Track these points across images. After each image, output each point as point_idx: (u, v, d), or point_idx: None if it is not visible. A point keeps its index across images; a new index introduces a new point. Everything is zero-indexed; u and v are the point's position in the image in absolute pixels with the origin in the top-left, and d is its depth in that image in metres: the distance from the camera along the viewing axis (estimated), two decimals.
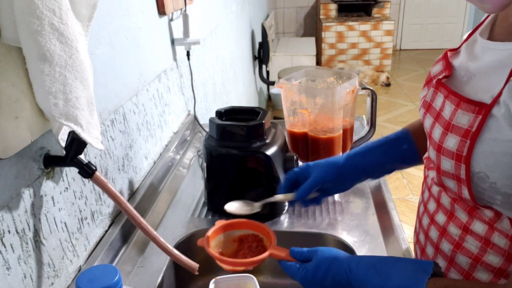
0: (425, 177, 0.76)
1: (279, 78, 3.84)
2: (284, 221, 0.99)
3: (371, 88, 1.13)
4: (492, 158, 0.55)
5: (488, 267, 0.62)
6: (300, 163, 1.06)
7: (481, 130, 0.56)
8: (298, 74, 1.16)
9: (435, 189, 0.70)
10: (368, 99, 1.16)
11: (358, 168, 0.83)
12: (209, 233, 0.76)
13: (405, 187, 2.96)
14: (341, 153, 1.09)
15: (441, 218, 0.68)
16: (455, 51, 0.71)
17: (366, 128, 1.22)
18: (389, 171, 0.87)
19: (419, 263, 0.62)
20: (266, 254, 0.71)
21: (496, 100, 0.54)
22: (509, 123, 0.53)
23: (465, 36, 0.71)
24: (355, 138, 1.21)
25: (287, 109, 1.13)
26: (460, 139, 0.58)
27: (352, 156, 0.84)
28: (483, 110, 0.55)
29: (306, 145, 1.12)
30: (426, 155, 0.76)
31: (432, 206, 0.71)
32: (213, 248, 0.76)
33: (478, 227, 0.62)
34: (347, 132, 1.14)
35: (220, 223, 0.78)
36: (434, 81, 0.69)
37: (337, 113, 1.06)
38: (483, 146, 0.56)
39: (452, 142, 0.60)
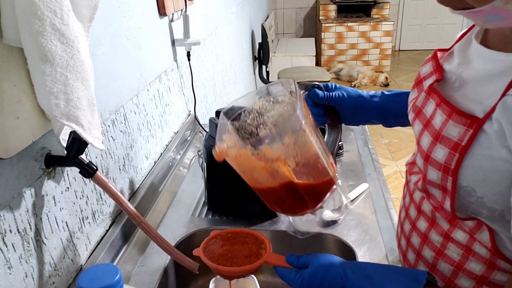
0: (407, 182, 0.74)
1: (279, 78, 3.85)
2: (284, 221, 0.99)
3: (310, 83, 0.82)
4: (480, 173, 0.54)
5: (470, 274, 0.62)
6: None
7: (471, 145, 0.54)
8: (222, 128, 0.70)
9: (417, 195, 0.69)
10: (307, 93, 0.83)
11: (380, 110, 0.84)
12: (204, 243, 0.76)
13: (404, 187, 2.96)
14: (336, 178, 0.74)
15: (422, 224, 0.68)
16: (446, 51, 0.69)
17: (327, 129, 0.86)
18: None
19: (412, 273, 0.62)
20: (261, 261, 0.71)
21: (488, 115, 0.53)
22: (501, 140, 0.51)
23: (458, 35, 0.69)
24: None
25: (251, 176, 0.71)
26: (448, 152, 0.57)
27: (383, 97, 0.85)
28: (475, 124, 0.54)
29: (298, 196, 0.71)
30: (408, 160, 0.75)
31: (413, 212, 0.70)
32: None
33: (460, 235, 0.61)
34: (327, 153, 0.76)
35: (214, 232, 0.78)
36: (424, 83, 0.68)
37: (313, 135, 0.69)
38: (472, 161, 0.55)
39: (440, 153, 0.58)
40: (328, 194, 0.72)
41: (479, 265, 0.60)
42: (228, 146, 0.67)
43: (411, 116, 0.70)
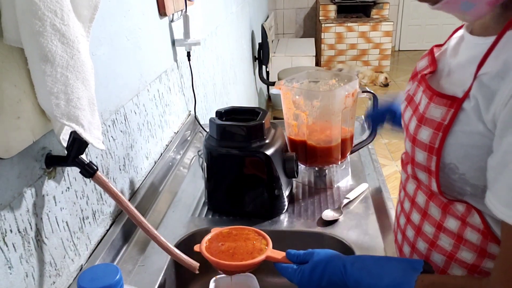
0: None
1: (279, 79, 3.85)
2: (284, 221, 0.99)
3: (372, 91, 1.09)
4: (462, 150, 0.57)
5: (462, 263, 0.64)
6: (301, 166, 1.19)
7: (453, 123, 0.58)
8: (300, 76, 1.15)
9: (410, 187, 0.72)
10: (370, 103, 1.10)
11: None
12: (206, 239, 0.77)
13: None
14: (339, 160, 1.13)
15: (416, 217, 0.70)
16: (442, 46, 0.72)
17: (367, 132, 1.17)
18: None
19: (409, 262, 0.64)
20: (262, 257, 0.72)
21: (467, 94, 0.56)
22: (478, 115, 0.54)
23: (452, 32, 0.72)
24: (355, 141, 1.17)
25: (286, 111, 1.12)
26: (432, 132, 0.60)
27: None
28: (455, 103, 0.57)
29: (304, 151, 1.12)
30: (404, 150, 0.78)
31: (407, 205, 0.73)
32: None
33: (451, 223, 0.64)
34: (346, 141, 1.12)
35: (216, 230, 0.79)
36: (419, 76, 0.71)
37: (335, 116, 1.04)
38: (454, 138, 0.58)
39: (425, 134, 0.62)
40: (327, 162, 1.12)
41: (470, 254, 0.62)
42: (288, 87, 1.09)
43: (403, 105, 0.74)
